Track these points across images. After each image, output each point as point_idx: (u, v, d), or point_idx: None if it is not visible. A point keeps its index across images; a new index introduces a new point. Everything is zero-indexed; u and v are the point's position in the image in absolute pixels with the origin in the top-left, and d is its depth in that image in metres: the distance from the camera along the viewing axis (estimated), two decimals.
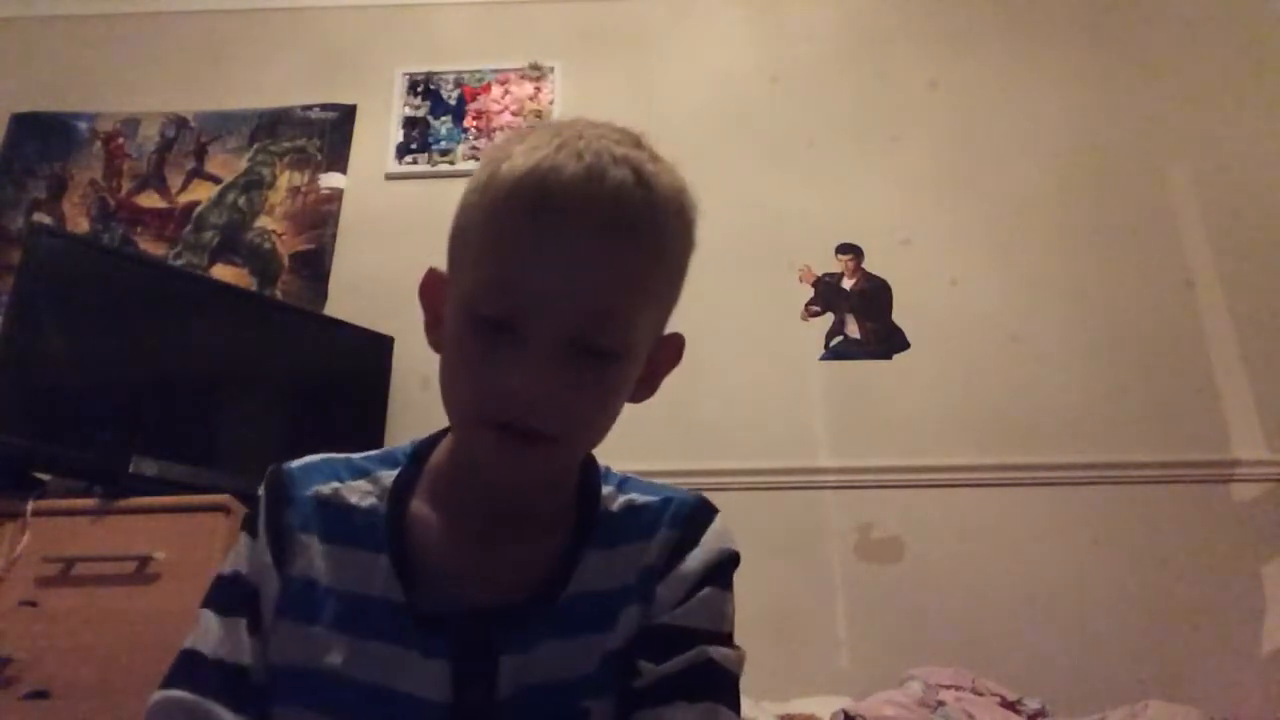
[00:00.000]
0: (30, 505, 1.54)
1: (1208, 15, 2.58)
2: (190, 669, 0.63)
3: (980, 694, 1.58)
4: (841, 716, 1.48)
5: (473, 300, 0.61)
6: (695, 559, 0.68)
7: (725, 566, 0.69)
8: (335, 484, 0.69)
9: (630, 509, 0.71)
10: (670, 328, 0.69)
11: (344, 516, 0.68)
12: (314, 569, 0.65)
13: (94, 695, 1.41)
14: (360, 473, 0.71)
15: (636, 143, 0.63)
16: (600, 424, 0.65)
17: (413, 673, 0.62)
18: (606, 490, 0.72)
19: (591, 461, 0.73)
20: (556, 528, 0.69)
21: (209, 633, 0.64)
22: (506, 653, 0.63)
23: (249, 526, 0.69)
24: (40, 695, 1.42)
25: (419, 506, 0.69)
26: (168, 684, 0.63)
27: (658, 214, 0.61)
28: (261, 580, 0.65)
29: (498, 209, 0.60)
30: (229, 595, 0.66)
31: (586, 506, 0.70)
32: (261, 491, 0.70)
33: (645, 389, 0.69)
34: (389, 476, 0.70)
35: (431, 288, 0.69)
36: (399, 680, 0.62)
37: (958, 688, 1.57)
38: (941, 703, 1.50)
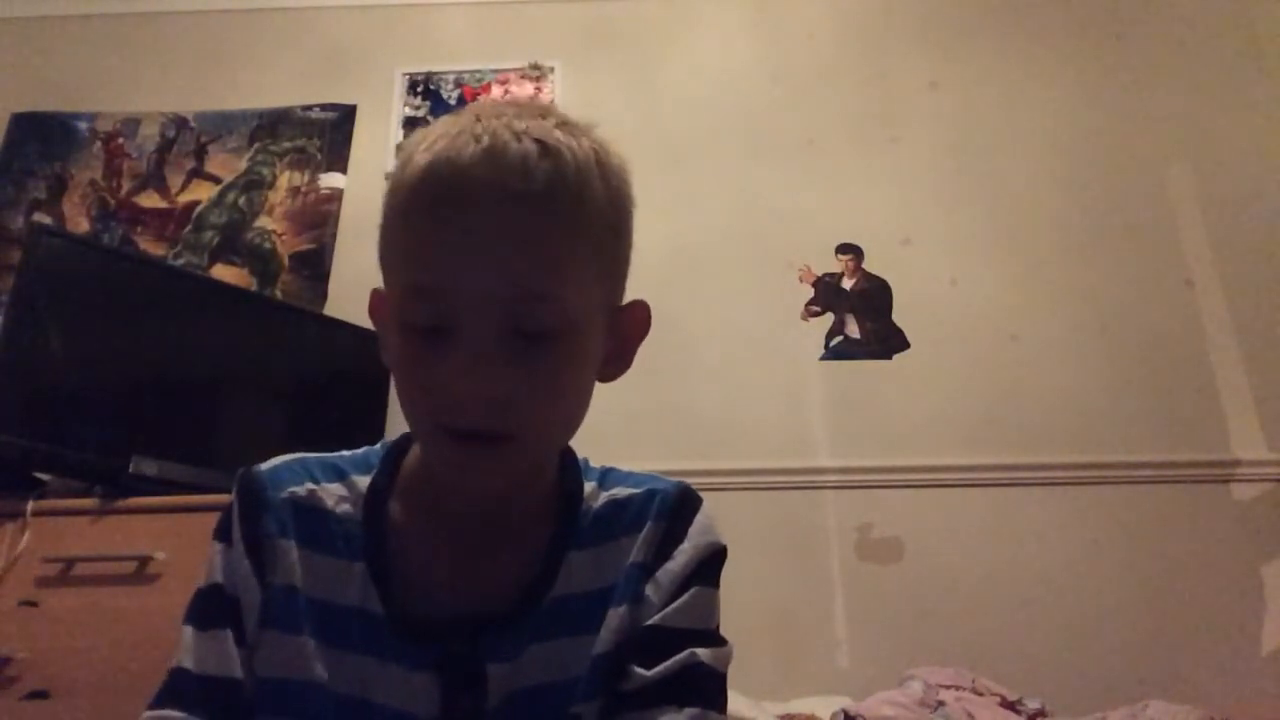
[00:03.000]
0: (30, 505, 1.54)
1: (1207, 15, 2.58)
2: (178, 687, 0.61)
3: (980, 694, 1.57)
4: (841, 716, 1.47)
5: (400, 312, 0.59)
6: (683, 555, 0.66)
7: (713, 563, 0.67)
8: (310, 485, 0.67)
9: (613, 504, 0.69)
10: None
11: (320, 521, 0.65)
12: (294, 575, 0.63)
13: (94, 695, 1.41)
14: (335, 474, 0.68)
15: (542, 113, 0.60)
16: (563, 411, 0.62)
17: (397, 686, 0.60)
18: (588, 487, 0.69)
19: (571, 456, 0.71)
20: (538, 528, 0.66)
21: (193, 649, 0.62)
22: (493, 660, 0.61)
23: (222, 534, 0.66)
24: (40, 695, 1.42)
25: (395, 512, 0.66)
26: (156, 704, 0.61)
27: (570, 180, 0.57)
28: (241, 590, 0.63)
29: (405, 212, 0.59)
30: (210, 608, 0.63)
31: (568, 504, 0.68)
32: (233, 496, 0.67)
33: (617, 365, 0.67)
34: (363, 482, 0.68)
35: (378, 309, 0.66)
36: (382, 694, 0.60)
37: (958, 688, 1.57)
38: (941, 703, 1.50)
